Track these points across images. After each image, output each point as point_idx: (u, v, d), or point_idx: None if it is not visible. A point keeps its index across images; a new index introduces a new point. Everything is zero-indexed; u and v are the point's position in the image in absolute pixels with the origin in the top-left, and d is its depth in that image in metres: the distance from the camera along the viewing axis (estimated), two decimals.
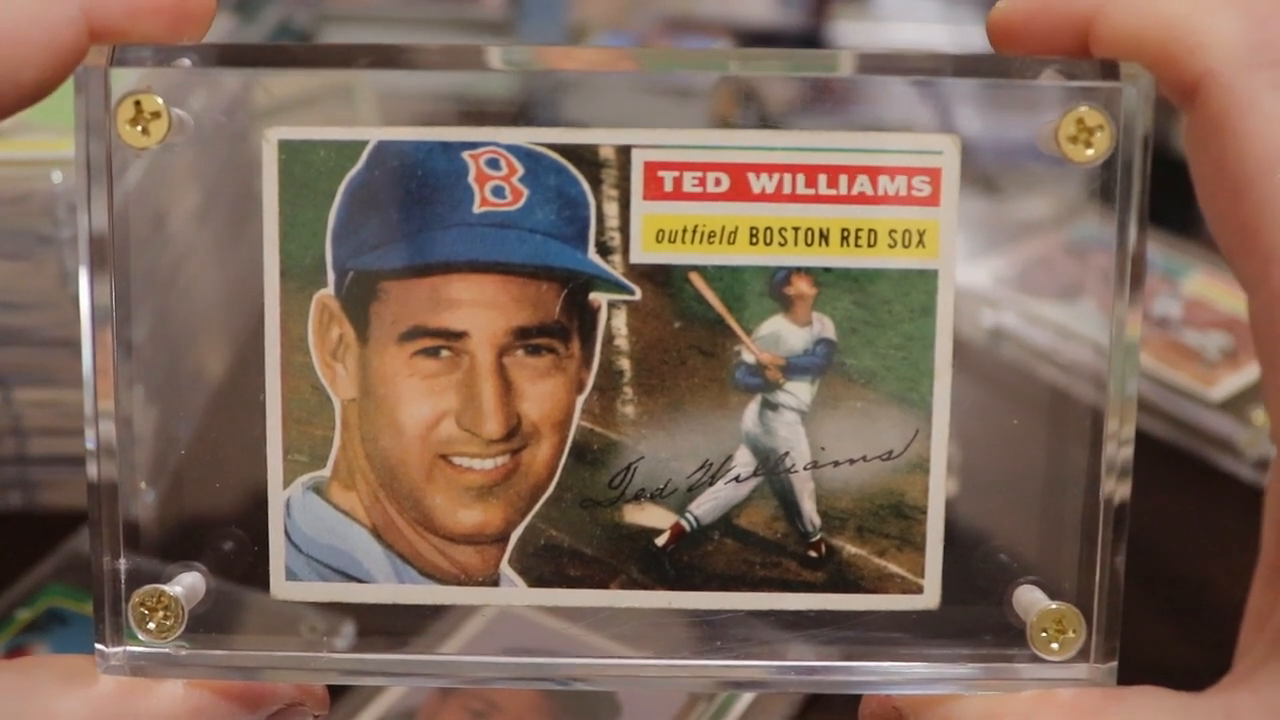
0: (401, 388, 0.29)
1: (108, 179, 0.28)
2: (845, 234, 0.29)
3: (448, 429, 0.29)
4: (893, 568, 0.29)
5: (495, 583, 0.30)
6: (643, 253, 0.29)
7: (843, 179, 0.28)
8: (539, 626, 0.31)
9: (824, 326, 0.29)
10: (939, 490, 0.29)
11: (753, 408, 0.29)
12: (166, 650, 0.29)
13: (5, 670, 0.28)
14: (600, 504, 0.29)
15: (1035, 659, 0.29)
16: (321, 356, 0.29)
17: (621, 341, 0.29)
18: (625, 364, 0.29)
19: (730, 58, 0.30)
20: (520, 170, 0.28)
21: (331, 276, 0.29)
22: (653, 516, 0.29)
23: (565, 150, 0.28)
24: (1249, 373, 0.58)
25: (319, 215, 0.29)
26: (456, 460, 0.29)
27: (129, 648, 0.29)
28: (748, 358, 0.29)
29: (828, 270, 0.29)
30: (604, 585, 0.30)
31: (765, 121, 0.29)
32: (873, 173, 0.28)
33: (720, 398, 0.29)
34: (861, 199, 0.29)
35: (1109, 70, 0.28)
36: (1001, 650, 0.29)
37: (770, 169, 0.28)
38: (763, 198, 0.29)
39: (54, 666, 0.29)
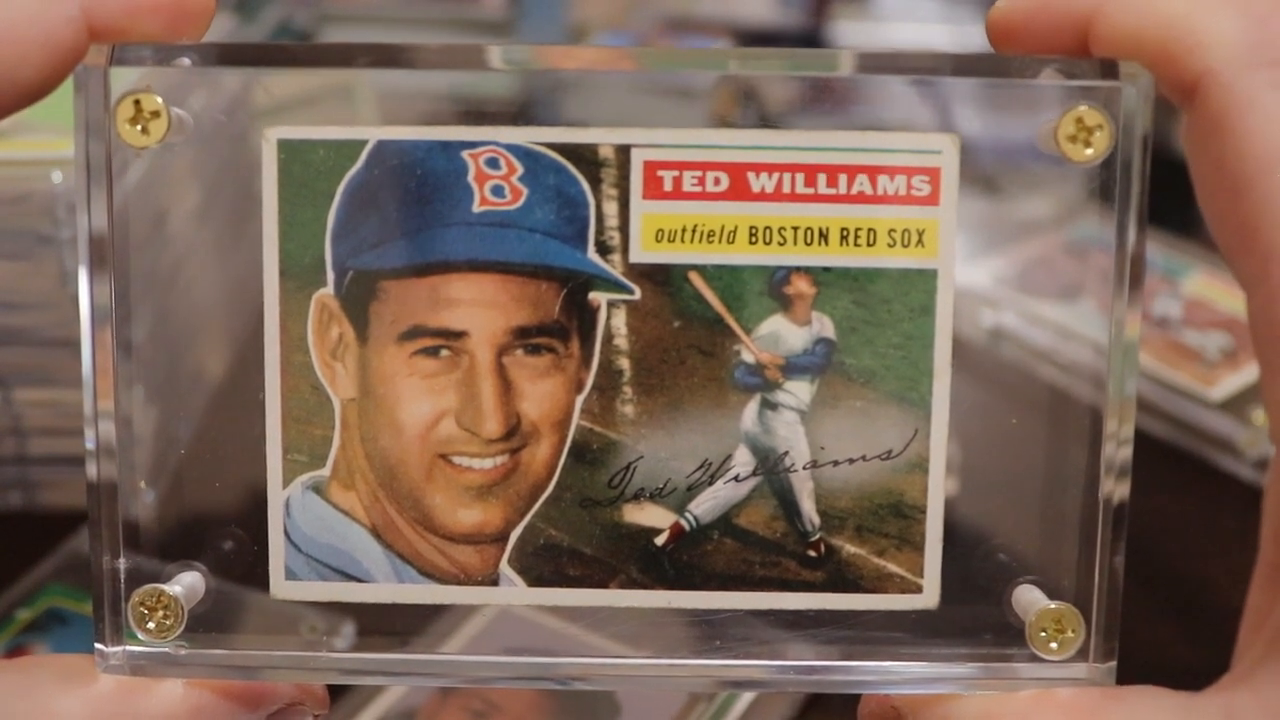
0: (401, 387, 0.29)
1: (107, 178, 0.28)
2: (845, 233, 0.29)
3: (447, 428, 0.29)
4: (892, 567, 0.30)
5: (495, 582, 0.30)
6: (642, 252, 0.29)
7: (842, 178, 0.28)
8: (539, 626, 0.31)
9: (823, 326, 0.29)
10: (938, 490, 0.29)
11: (752, 407, 0.29)
12: (166, 650, 0.29)
13: (5, 670, 0.28)
14: (600, 503, 0.29)
15: (1034, 658, 0.29)
16: (321, 356, 0.29)
17: (621, 341, 0.29)
18: (625, 363, 0.29)
19: (730, 57, 0.30)
20: (520, 169, 0.28)
21: (331, 276, 0.29)
22: (652, 516, 0.29)
23: (565, 149, 0.28)
24: (1249, 373, 0.58)
25: (318, 215, 0.29)
26: (456, 460, 0.29)
27: (129, 647, 0.29)
28: (747, 357, 0.29)
29: (827, 270, 0.29)
30: (603, 585, 0.30)
31: (765, 121, 0.29)
32: (872, 172, 0.28)
33: (719, 397, 0.29)
34: (861, 198, 0.29)
35: (1108, 69, 0.28)
36: (1000, 650, 0.29)
37: (770, 168, 0.28)
38: (762, 197, 0.29)
39: (54, 666, 0.29)
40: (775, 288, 0.29)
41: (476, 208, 0.29)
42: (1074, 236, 0.65)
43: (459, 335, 0.29)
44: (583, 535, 0.30)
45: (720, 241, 0.29)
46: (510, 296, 0.29)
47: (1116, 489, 0.29)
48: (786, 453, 0.29)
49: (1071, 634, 0.29)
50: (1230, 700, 0.26)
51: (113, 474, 0.29)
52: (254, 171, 0.29)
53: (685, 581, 0.30)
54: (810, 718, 0.43)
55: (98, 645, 0.29)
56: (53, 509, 0.52)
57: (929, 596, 0.30)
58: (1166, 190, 0.34)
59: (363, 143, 0.28)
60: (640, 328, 0.29)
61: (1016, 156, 0.31)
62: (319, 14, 0.92)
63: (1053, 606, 0.29)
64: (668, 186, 0.29)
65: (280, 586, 0.30)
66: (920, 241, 0.29)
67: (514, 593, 0.30)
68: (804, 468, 0.29)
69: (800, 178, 0.29)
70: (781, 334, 0.29)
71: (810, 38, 1.00)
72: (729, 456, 0.29)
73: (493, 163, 0.28)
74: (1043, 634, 0.29)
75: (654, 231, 0.29)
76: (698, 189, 0.29)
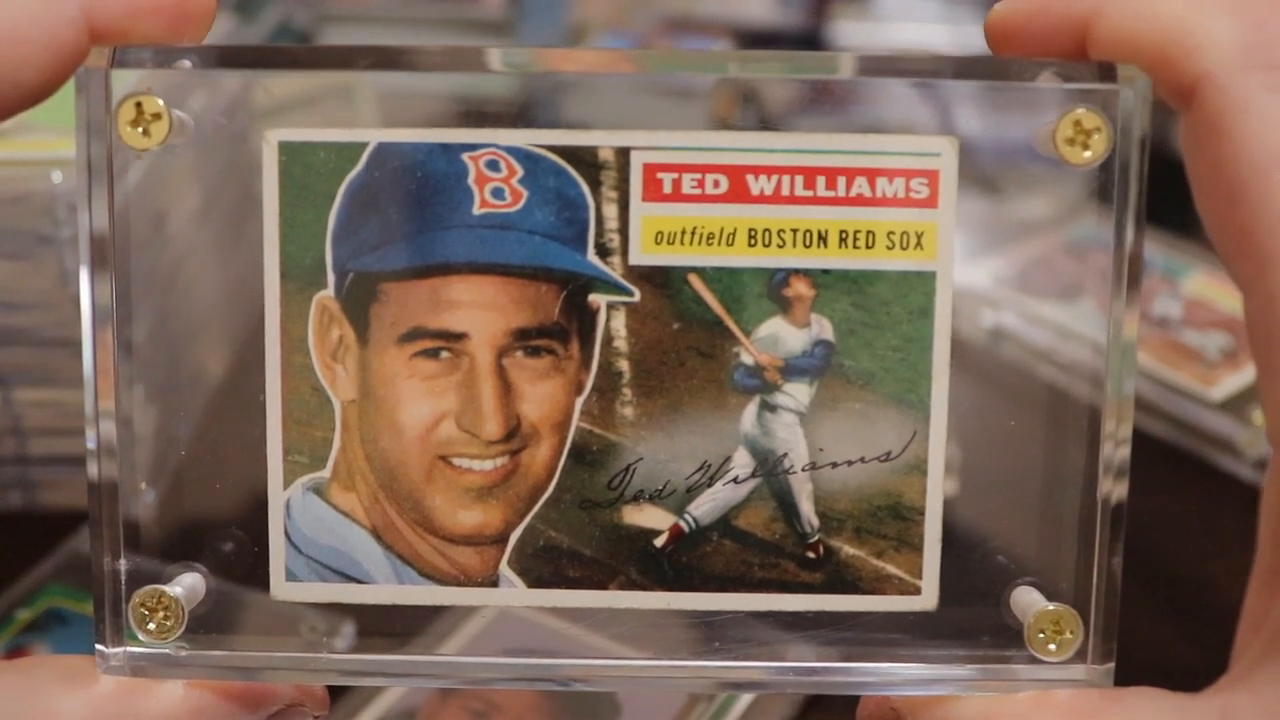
0: (401, 389, 0.29)
1: (108, 180, 0.28)
2: (844, 235, 0.29)
3: (447, 430, 0.29)
4: (891, 569, 0.30)
5: (495, 583, 0.30)
6: (642, 254, 0.29)
7: (841, 181, 0.29)
8: (539, 627, 0.31)
9: (822, 328, 0.29)
10: (937, 491, 0.29)
11: (751, 409, 0.29)
12: (167, 651, 0.29)
13: (5, 670, 0.28)
14: (599, 505, 0.30)
15: (1033, 660, 0.29)
16: (321, 358, 0.29)
17: (620, 343, 0.29)
18: (624, 365, 0.29)
19: (730, 60, 0.30)
20: (520, 172, 0.29)
21: (331, 278, 0.29)
22: (651, 517, 0.30)
23: (564, 152, 0.29)
24: (1249, 373, 0.58)
25: (319, 217, 0.29)
26: (456, 461, 0.29)
27: (129, 648, 0.29)
28: (746, 359, 0.29)
29: (826, 272, 0.29)
30: (603, 586, 0.30)
31: (764, 122, 0.29)
32: (871, 174, 0.29)
33: (719, 399, 0.29)
34: (860, 201, 0.29)
35: (1106, 73, 0.28)
36: (999, 651, 0.29)
37: (769, 171, 0.29)
38: (761, 199, 0.29)
39: (54, 666, 0.29)
40: (774, 290, 0.29)
41: (477, 210, 0.29)
42: (1074, 237, 0.65)
43: (459, 337, 0.29)
44: (582, 537, 0.30)
45: (719, 244, 0.29)
46: (510, 298, 0.29)
47: (1115, 489, 0.29)
48: (785, 454, 0.29)
49: (1070, 635, 0.29)
50: (1228, 701, 0.26)
51: (113, 474, 0.29)
52: (254, 173, 0.29)
53: (684, 583, 0.30)
54: (809, 719, 0.43)
55: (98, 646, 0.29)
56: (53, 509, 0.52)
57: (928, 598, 0.30)
58: (1166, 190, 0.34)
59: (363, 145, 0.29)
60: (640, 330, 0.29)
61: (1015, 158, 0.31)
62: (319, 14, 0.92)
63: (1051, 608, 0.29)
64: (667, 189, 0.29)
65: (280, 588, 0.30)
66: (919, 244, 0.29)
67: (514, 594, 0.30)
68: (803, 469, 0.29)
69: (799, 180, 0.29)
70: (780, 336, 0.29)
71: (810, 38, 1.00)
72: (728, 458, 0.29)
73: (493, 165, 0.29)
74: (1041, 635, 0.29)
75: (653, 233, 0.29)
76: (697, 191, 0.29)
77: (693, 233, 0.29)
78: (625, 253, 0.29)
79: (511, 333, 0.29)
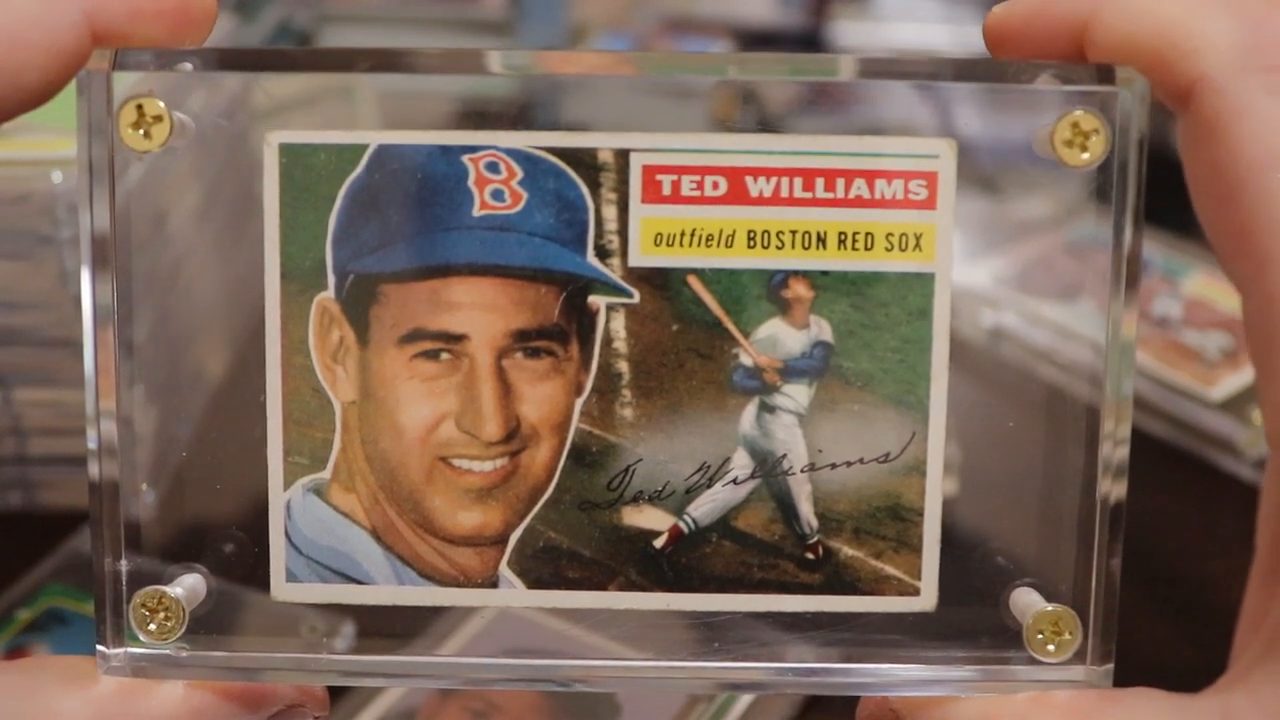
0: (401, 390, 0.29)
1: (109, 181, 0.28)
2: (842, 237, 0.29)
3: (447, 431, 0.29)
4: (890, 570, 0.30)
5: (494, 584, 0.30)
6: (641, 256, 0.29)
7: (840, 182, 0.29)
8: (538, 627, 0.31)
9: (821, 329, 0.29)
10: (935, 492, 0.29)
11: (750, 410, 0.29)
12: (167, 651, 0.29)
13: (6, 670, 0.28)
14: (599, 506, 0.30)
15: (1032, 661, 0.29)
16: (322, 359, 0.29)
17: (620, 344, 0.29)
18: (624, 366, 0.29)
19: (729, 61, 0.30)
20: (519, 174, 0.29)
21: (332, 279, 0.29)
22: (651, 518, 0.30)
23: (564, 154, 0.29)
24: (1249, 373, 0.58)
25: (319, 218, 0.29)
26: (456, 462, 0.29)
27: (130, 649, 0.29)
28: (745, 360, 0.29)
29: (825, 273, 0.29)
30: (602, 587, 0.30)
31: (764, 123, 0.29)
32: (870, 176, 0.29)
33: (718, 400, 0.29)
34: (859, 202, 0.29)
35: (1104, 74, 0.28)
36: (998, 652, 0.29)
37: (768, 172, 0.29)
38: (760, 201, 0.29)
39: (55, 667, 0.29)
40: (773, 291, 0.29)
41: (476, 212, 0.29)
42: (1073, 237, 0.65)
43: (459, 338, 0.29)
44: (582, 537, 0.30)
45: (719, 245, 0.29)
46: (510, 300, 0.29)
47: (1114, 489, 0.29)
48: (784, 455, 0.29)
49: (1069, 636, 0.29)
50: (1226, 701, 0.26)
51: (114, 474, 0.29)
52: (255, 174, 0.29)
53: (684, 584, 0.30)
54: (809, 719, 0.43)
55: (99, 646, 0.29)
56: (53, 509, 0.52)
57: (927, 599, 0.30)
58: (1166, 190, 0.34)
59: (364, 147, 0.29)
60: (639, 331, 0.29)
61: (1014, 159, 0.31)
62: (319, 14, 0.92)
63: (1050, 609, 0.29)
64: (666, 190, 0.29)
65: (281, 588, 0.30)
66: (918, 245, 0.29)
67: (513, 595, 0.30)
68: (802, 470, 0.29)
69: (798, 181, 0.29)
70: (780, 337, 0.29)
71: (810, 38, 1.00)
72: (727, 459, 0.29)
73: (493, 167, 0.29)
74: (1040, 636, 0.29)
75: (653, 235, 0.29)
76: (696, 193, 0.29)
77: (692, 234, 0.29)
78: (625, 254, 0.29)
79: (511, 334, 0.29)
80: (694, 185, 0.29)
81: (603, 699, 0.42)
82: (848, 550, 0.30)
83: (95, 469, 0.29)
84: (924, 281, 0.29)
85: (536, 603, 0.30)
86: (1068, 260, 0.64)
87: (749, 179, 0.29)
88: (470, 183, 0.29)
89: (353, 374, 0.29)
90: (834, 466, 0.29)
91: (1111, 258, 0.29)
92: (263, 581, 0.30)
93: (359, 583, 0.30)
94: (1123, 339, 0.29)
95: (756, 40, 1.00)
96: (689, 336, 0.29)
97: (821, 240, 0.29)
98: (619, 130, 0.29)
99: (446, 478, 0.29)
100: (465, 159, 0.29)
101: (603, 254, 0.29)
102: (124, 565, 0.29)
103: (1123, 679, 0.29)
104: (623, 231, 0.29)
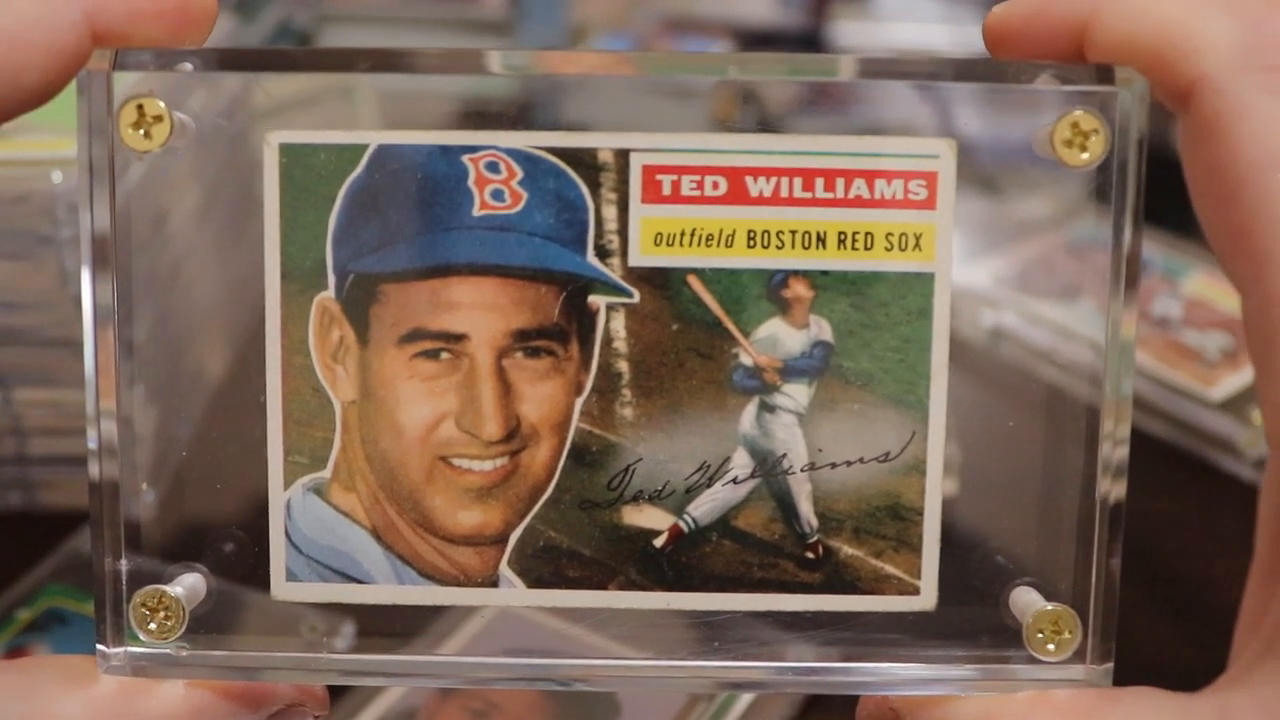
0: (401, 390, 0.29)
1: (110, 181, 0.28)
2: (842, 237, 0.29)
3: (447, 431, 0.29)
4: (889, 569, 0.30)
5: (494, 584, 0.30)
6: (641, 256, 0.29)
7: (840, 182, 0.29)
8: (539, 627, 0.31)
9: (821, 329, 0.29)
10: (935, 492, 0.29)
11: (750, 410, 0.29)
12: (167, 651, 0.29)
13: (6, 670, 0.28)
14: (599, 505, 0.30)
15: (1031, 660, 0.29)
16: (322, 359, 0.29)
17: (620, 344, 0.29)
18: (624, 366, 0.29)
19: (729, 62, 0.31)
20: (519, 174, 0.29)
21: (332, 279, 0.29)
22: (651, 518, 0.30)
23: (564, 154, 0.29)
24: (1249, 373, 0.58)
25: (320, 218, 0.29)
26: (456, 462, 0.29)
27: (130, 648, 0.29)
28: (745, 360, 0.29)
29: (825, 273, 0.29)
30: (602, 586, 0.30)
31: (763, 123, 0.29)
32: (870, 176, 0.29)
33: (718, 400, 0.29)
34: (859, 202, 0.29)
35: (1104, 75, 0.28)
36: (998, 651, 0.29)
37: (768, 172, 0.29)
38: (760, 201, 0.29)
39: (55, 666, 0.29)
40: (773, 291, 0.29)
41: (477, 212, 0.29)
42: (1073, 237, 0.65)
43: (459, 338, 0.29)
44: (582, 537, 0.30)
45: (718, 245, 0.29)
46: (510, 299, 0.29)
47: (1113, 489, 0.29)
48: (784, 455, 0.29)
49: (1068, 635, 0.29)
50: (1226, 701, 0.26)
51: (114, 474, 0.29)
52: (255, 174, 0.29)
53: (684, 583, 0.30)
54: (809, 718, 0.43)
55: (99, 646, 0.29)
56: (53, 509, 0.52)
57: (926, 598, 0.30)
58: (1166, 191, 0.34)
59: (364, 147, 0.29)
60: (639, 331, 0.29)
61: (1014, 159, 0.31)
62: (319, 14, 0.92)
63: (1050, 608, 0.29)
64: (666, 190, 0.29)
65: (281, 588, 0.30)
66: (918, 245, 0.29)
67: (513, 594, 0.30)
68: (802, 470, 0.29)
69: (798, 181, 0.29)
70: (779, 337, 0.29)
71: (810, 38, 1.00)
72: (727, 459, 0.29)
73: (493, 167, 0.29)
74: (1040, 635, 0.29)
75: (653, 235, 0.29)
76: (696, 193, 0.29)
77: (692, 234, 0.29)
78: (625, 254, 0.29)
79: (511, 334, 0.29)
80: (694, 185, 0.29)
81: (603, 698, 0.42)
82: (848, 549, 0.30)
83: (95, 469, 0.29)
84: (924, 281, 0.29)
85: (536, 602, 0.30)
86: (1067, 260, 0.64)
87: (749, 179, 0.29)
88: (470, 182, 0.29)
89: (353, 373, 0.29)
90: (834, 466, 0.29)
91: (1111, 258, 0.29)
92: (263, 581, 0.30)
93: (359, 582, 0.30)
94: (1122, 339, 0.29)
95: (756, 40, 1.00)
96: (689, 336, 0.29)
97: (821, 240, 0.29)
98: (619, 130, 0.29)
99: (446, 477, 0.29)
100: (465, 159, 0.29)
101: (603, 254, 0.29)
102: (124, 565, 0.29)
103: (1123, 679, 0.29)
104: (623, 231, 0.29)
